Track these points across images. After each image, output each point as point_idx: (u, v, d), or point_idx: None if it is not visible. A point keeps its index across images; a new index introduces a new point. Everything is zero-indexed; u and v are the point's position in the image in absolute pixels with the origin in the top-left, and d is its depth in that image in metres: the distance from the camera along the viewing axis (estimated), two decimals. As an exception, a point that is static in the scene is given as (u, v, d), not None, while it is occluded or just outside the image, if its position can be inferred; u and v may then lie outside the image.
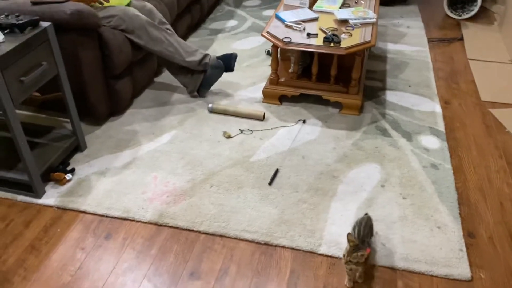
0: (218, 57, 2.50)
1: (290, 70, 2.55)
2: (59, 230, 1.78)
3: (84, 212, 1.86)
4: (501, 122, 2.41)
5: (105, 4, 2.24)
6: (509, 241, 1.74)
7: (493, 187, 1.99)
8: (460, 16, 3.58)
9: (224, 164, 2.10)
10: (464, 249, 1.69)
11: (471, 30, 3.43)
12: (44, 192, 1.94)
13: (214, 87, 2.62)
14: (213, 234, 1.76)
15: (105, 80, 2.27)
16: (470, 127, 2.38)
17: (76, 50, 2.07)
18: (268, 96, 2.55)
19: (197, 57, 2.44)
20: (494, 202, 1.91)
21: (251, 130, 2.34)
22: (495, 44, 3.21)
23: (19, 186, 1.93)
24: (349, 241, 1.50)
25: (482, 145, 2.24)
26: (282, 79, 2.54)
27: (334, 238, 1.73)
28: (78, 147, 2.16)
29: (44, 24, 1.81)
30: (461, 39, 3.30)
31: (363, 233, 1.61)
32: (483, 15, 3.64)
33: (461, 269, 1.62)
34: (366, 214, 1.72)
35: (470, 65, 2.96)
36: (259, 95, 2.61)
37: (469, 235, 1.76)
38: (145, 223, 1.81)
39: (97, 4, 2.26)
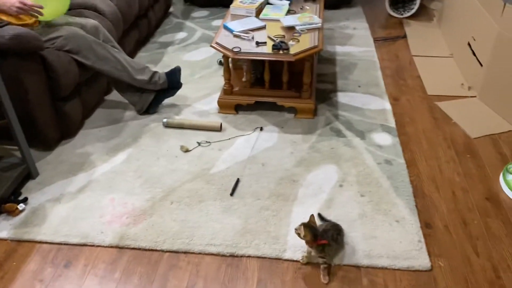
0: (166, 73, 2.49)
1: (243, 79, 2.57)
2: (14, 263, 1.70)
3: (41, 242, 1.79)
4: (447, 114, 2.52)
5: (41, 18, 2.14)
6: (463, 227, 1.82)
7: (444, 177, 2.08)
8: (402, 14, 3.73)
9: (184, 179, 2.08)
10: (423, 240, 1.75)
11: (413, 27, 3.57)
12: (-5, 225, 1.85)
13: (168, 100, 2.59)
14: (177, 252, 1.73)
15: (53, 103, 2.19)
16: (419, 121, 2.47)
17: (19, 75, 1.99)
18: (223, 106, 2.55)
19: (146, 76, 2.41)
20: (446, 191, 2.00)
21: (209, 142, 2.33)
22: (436, 40, 3.36)
23: (-32, 221, 1.83)
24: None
25: (431, 138, 2.34)
26: (236, 89, 2.55)
27: (298, 242, 1.74)
28: (29, 174, 2.08)
29: (-18, 50, 1.74)
30: (405, 37, 3.44)
31: (325, 227, 1.67)
32: (423, 13, 3.81)
33: (421, 260, 1.67)
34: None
35: (415, 61, 3.08)
36: (214, 106, 2.61)
37: (426, 226, 1.83)
38: (106, 247, 1.76)
39: (38, 26, 2.19)
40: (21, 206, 1.91)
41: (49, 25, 2.24)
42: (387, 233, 1.79)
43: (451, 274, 1.63)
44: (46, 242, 1.78)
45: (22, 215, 1.90)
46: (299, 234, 1.58)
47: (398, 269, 1.65)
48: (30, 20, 2.19)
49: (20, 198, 1.97)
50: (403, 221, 1.84)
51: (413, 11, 3.67)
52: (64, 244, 1.77)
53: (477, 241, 1.76)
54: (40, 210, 1.92)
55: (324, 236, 1.62)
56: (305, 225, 1.58)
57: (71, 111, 2.27)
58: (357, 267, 1.66)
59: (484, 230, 1.81)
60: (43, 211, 1.92)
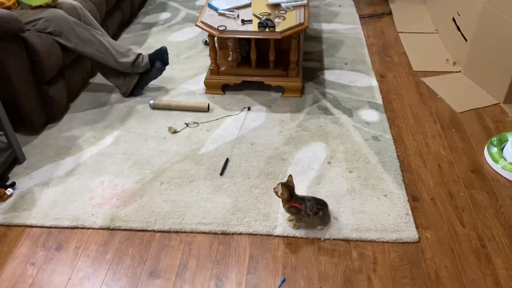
0: (149, 55, 2.45)
1: (229, 59, 2.55)
2: (5, 248, 1.70)
3: (31, 226, 1.78)
4: (432, 89, 2.54)
5: (29, 2, 2.10)
6: (449, 200, 1.86)
7: (430, 151, 2.11)
8: (387, -9, 3.71)
9: (173, 160, 2.08)
10: (410, 213, 1.79)
11: (398, 4, 3.57)
12: (-17, 211, 1.83)
13: (154, 82, 2.57)
14: (168, 231, 1.74)
15: (37, 86, 2.16)
16: (405, 97, 2.49)
17: (1, 58, 1.95)
18: (210, 87, 2.54)
19: (130, 58, 2.38)
20: (433, 165, 2.03)
21: (196, 123, 2.32)
22: (421, 16, 3.37)
23: (-45, 208, 1.81)
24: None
25: (417, 113, 2.36)
26: (223, 68, 2.53)
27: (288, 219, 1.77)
28: (16, 159, 2.06)
29: (-40, 33, 1.69)
30: (390, 13, 3.44)
31: (309, 198, 1.73)
32: (408, -11, 3.79)
33: (409, 232, 1.71)
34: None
35: (400, 37, 3.09)
36: (201, 86, 2.59)
37: (413, 199, 1.86)
38: (97, 229, 1.76)
39: (18, 8, 2.14)
40: (9, 191, 1.90)
41: (27, 7, 2.19)
42: (375, 207, 1.82)
43: (437, 245, 1.67)
44: (36, 226, 1.78)
45: (11, 200, 1.89)
46: (276, 193, 1.66)
47: (387, 242, 1.69)
48: (8, 2, 2.14)
49: (8, 183, 1.95)
50: (390, 195, 1.87)
51: (398, -13, 3.66)
52: (55, 227, 1.77)
53: (463, 212, 1.80)
54: (28, 194, 1.91)
55: (301, 202, 1.67)
56: (283, 184, 1.65)
57: (55, 95, 2.24)
58: (347, 240, 1.69)
59: (470, 201, 1.85)
60: (32, 195, 1.90)
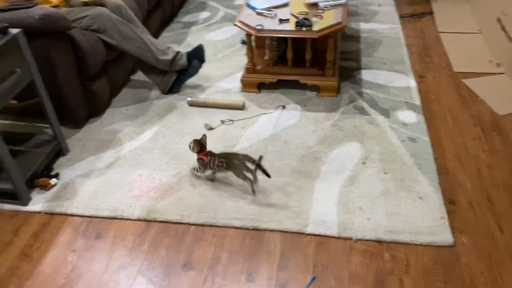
0: (188, 52, 2.51)
1: (265, 57, 2.57)
2: (48, 235, 1.79)
3: (72, 215, 1.87)
4: (474, 91, 2.47)
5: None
6: (487, 205, 1.80)
7: (469, 154, 2.06)
8: (429, -10, 3.63)
9: (208, 155, 2.12)
10: (446, 216, 1.75)
11: (440, 3, 3.48)
12: (30, 199, 1.94)
13: (192, 80, 2.62)
14: (202, 225, 1.79)
15: (81, 82, 2.26)
16: (445, 98, 2.44)
17: (49, 54, 2.06)
18: (246, 85, 2.57)
19: (169, 56, 2.44)
20: (471, 169, 1.98)
21: (232, 120, 2.36)
22: (464, 16, 3.27)
23: (5, 195, 1.92)
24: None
25: (457, 115, 2.31)
26: (259, 67, 2.56)
27: (320, 218, 1.77)
28: (60, 151, 2.16)
29: (14, 31, 1.80)
30: (431, 13, 3.35)
31: (224, 155, 1.92)
32: (451, -12, 3.69)
33: (444, 236, 1.68)
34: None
35: (441, 38, 3.02)
36: (237, 84, 2.62)
37: (450, 203, 1.82)
38: (134, 220, 1.82)
39: (65, 6, 2.24)
40: (53, 181, 2.00)
41: (73, 5, 2.29)
42: (410, 210, 1.79)
43: (474, 250, 1.63)
44: (78, 215, 1.86)
45: (54, 189, 1.98)
46: (189, 147, 1.95)
47: (420, 245, 1.66)
48: (57, 1, 2.25)
49: (52, 173, 2.05)
50: (426, 197, 1.84)
51: (441, -14, 3.56)
52: (95, 217, 1.85)
53: (502, 218, 1.75)
54: (71, 185, 2.00)
55: (210, 157, 1.92)
56: (195, 139, 1.95)
57: (99, 90, 2.33)
58: (379, 242, 1.68)
59: (509, 206, 1.79)
60: (74, 186, 2.00)
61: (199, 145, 1.94)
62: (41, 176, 1.99)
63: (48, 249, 1.73)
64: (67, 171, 2.08)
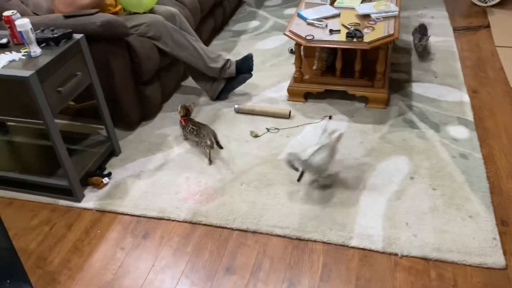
0: (237, 61, 2.56)
1: (314, 67, 2.58)
2: (99, 231, 1.87)
3: (122, 214, 1.94)
4: (532, 108, 2.36)
5: (140, 9, 2.31)
6: (544, 228, 1.72)
7: (526, 174, 1.97)
8: (486, 3, 3.51)
9: (253, 162, 2.15)
10: (498, 237, 1.68)
11: (498, 16, 3.36)
12: (83, 196, 2.03)
13: (239, 88, 2.67)
14: (245, 231, 1.81)
15: (136, 86, 2.35)
16: (500, 115, 2.34)
17: (107, 59, 2.16)
18: (293, 94, 2.58)
19: (219, 64, 2.50)
20: (527, 189, 1.89)
21: (277, 129, 2.38)
22: (524, 29, 3.14)
23: (60, 191, 2.03)
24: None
25: (513, 133, 2.21)
26: (307, 77, 2.56)
27: (365, 231, 1.75)
28: (113, 152, 2.25)
29: (77, 36, 1.90)
30: (488, 26, 3.24)
31: (200, 125, 2.21)
32: (510, 1, 3.55)
33: (495, 257, 1.61)
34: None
35: (498, 52, 2.91)
36: (284, 93, 2.64)
37: (502, 224, 1.75)
38: (180, 222, 1.87)
39: (123, 13, 2.35)
40: (105, 180, 2.09)
41: (133, 12, 2.39)
42: (459, 228, 1.73)
43: (528, 275, 1.56)
44: (127, 214, 1.94)
45: (106, 188, 2.07)
46: (178, 111, 2.29)
47: (470, 265, 1.60)
48: (115, 8, 2.36)
49: (105, 172, 2.14)
50: (477, 217, 1.77)
51: (499, -2, 3.44)
52: (143, 216, 1.92)
53: (560, 243, 1.65)
54: (122, 184, 2.08)
55: (188, 122, 2.25)
56: (183, 105, 2.30)
57: (151, 95, 2.42)
58: (426, 259, 1.64)
59: None
60: (125, 185, 2.08)
61: (184, 110, 2.29)
62: (94, 174, 2.09)
63: (99, 245, 1.81)
64: (119, 171, 2.17)
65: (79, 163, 2.09)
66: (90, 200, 2.02)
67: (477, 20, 3.36)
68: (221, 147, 2.23)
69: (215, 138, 2.19)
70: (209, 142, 2.14)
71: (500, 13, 3.39)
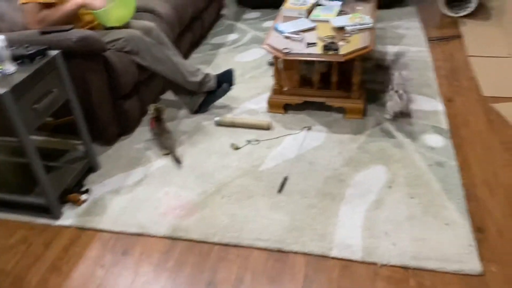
0: (217, 75, 2.57)
1: (292, 79, 2.60)
2: (78, 249, 1.84)
3: (101, 231, 1.92)
4: (504, 116, 2.43)
5: (108, 24, 2.31)
6: (518, 233, 1.76)
7: (500, 182, 2.02)
8: (458, 13, 3.61)
9: (234, 174, 2.16)
10: (474, 244, 1.72)
11: (470, 26, 3.46)
12: (61, 213, 2.00)
13: (219, 100, 2.68)
14: (226, 245, 1.80)
15: (114, 101, 2.34)
16: (473, 123, 2.41)
17: (84, 75, 2.15)
18: (272, 106, 2.60)
19: (198, 78, 2.51)
20: (501, 196, 1.94)
21: (258, 140, 2.39)
22: (494, 39, 3.24)
23: (38, 209, 1.99)
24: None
25: (486, 141, 2.27)
26: (286, 88, 2.59)
27: (345, 241, 1.77)
28: (91, 168, 2.23)
29: (53, 52, 1.89)
30: (460, 36, 3.33)
31: (166, 132, 2.35)
32: (481, 11, 3.67)
33: (472, 264, 1.64)
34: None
35: (471, 61, 2.99)
36: (264, 105, 2.66)
37: (478, 230, 1.78)
38: (160, 237, 1.86)
39: (101, 28, 2.34)
40: (84, 196, 2.07)
41: (110, 27, 2.39)
42: (437, 236, 1.76)
43: (504, 280, 1.59)
44: (106, 231, 1.91)
45: (85, 205, 2.05)
46: (148, 110, 2.37)
47: (448, 272, 1.63)
48: (94, 23, 2.36)
49: (83, 189, 2.12)
50: (453, 224, 1.81)
51: (470, 9, 3.55)
52: (122, 233, 1.90)
53: (533, 247, 1.70)
54: (101, 201, 2.06)
55: (155, 125, 2.34)
56: (157, 107, 2.35)
57: (130, 109, 2.41)
58: (405, 268, 1.66)
59: (541, 236, 1.74)
60: (104, 202, 2.05)
61: (156, 112, 2.34)
62: (72, 191, 2.06)
63: (77, 263, 1.78)
64: (97, 187, 2.14)
65: (57, 180, 2.06)
66: (69, 217, 1.99)
67: (450, 30, 3.46)
68: (179, 162, 2.24)
69: (172, 152, 2.28)
70: (161, 152, 2.30)
71: (471, 24, 3.50)
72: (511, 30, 3.08)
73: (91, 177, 2.21)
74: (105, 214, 1.98)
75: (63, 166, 2.16)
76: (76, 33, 2.07)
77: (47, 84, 1.86)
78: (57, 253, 1.83)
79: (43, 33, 2.07)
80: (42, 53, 1.85)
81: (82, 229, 1.94)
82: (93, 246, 1.85)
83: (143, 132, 2.52)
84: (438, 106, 2.55)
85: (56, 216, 1.98)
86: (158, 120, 2.35)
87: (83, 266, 1.77)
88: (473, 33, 3.35)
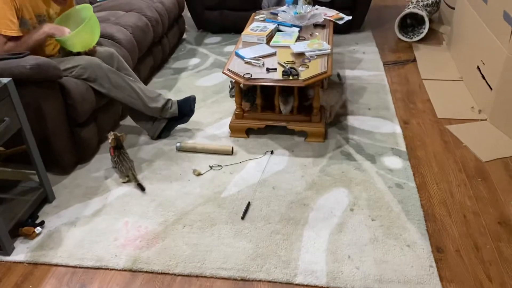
0: (179, 101, 2.55)
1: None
2: (31, 286, 1.74)
3: (56, 265, 1.82)
4: (457, 137, 2.53)
5: (72, 49, 2.27)
6: (475, 252, 1.81)
7: (455, 201, 2.08)
8: (411, 38, 3.78)
9: (196, 202, 2.12)
10: (434, 264, 1.75)
11: (423, 51, 3.61)
12: (13, 248, 1.90)
13: (181, 125, 2.65)
14: (189, 275, 1.75)
15: (70, 128, 2.27)
16: (429, 144, 2.49)
17: (38, 102, 2.07)
18: (234, 130, 2.60)
19: (159, 103, 2.48)
20: (458, 215, 1.99)
21: (220, 166, 2.37)
22: (446, 63, 3.39)
23: (-14, 245, 1.88)
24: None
25: (442, 161, 2.35)
26: (247, 113, 2.60)
27: (309, 267, 1.76)
28: (46, 198, 2.13)
29: (4, 80, 1.82)
30: (414, 60, 3.48)
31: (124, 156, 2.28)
32: (432, 37, 3.85)
33: (433, 285, 1.67)
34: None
35: (425, 84, 3.11)
36: (226, 129, 2.65)
37: (438, 250, 1.82)
38: (119, 270, 1.79)
39: (58, 55, 2.29)
40: (38, 229, 1.96)
41: (68, 54, 2.34)
42: (398, 258, 1.79)
43: (463, 299, 1.62)
44: (62, 265, 1.82)
45: (39, 238, 1.95)
46: (107, 138, 2.28)
47: (410, 294, 1.64)
48: (52, 51, 2.30)
49: (37, 221, 2.02)
50: (414, 245, 1.84)
51: (422, 35, 3.72)
52: (79, 267, 1.81)
53: (490, 266, 1.75)
54: (56, 233, 1.97)
55: (115, 154, 2.27)
56: (116, 136, 2.27)
57: (87, 137, 2.34)
58: (368, 292, 1.66)
59: (497, 254, 1.79)
60: (59, 234, 1.96)
61: (116, 141, 2.28)
62: (25, 224, 1.96)
63: (29, 302, 1.68)
64: (52, 219, 2.05)
65: (9, 213, 1.95)
66: (21, 252, 1.88)
67: (405, 54, 3.60)
68: (142, 189, 2.21)
69: (134, 178, 2.25)
70: (121, 180, 2.27)
71: (424, 48, 3.66)
72: (460, 55, 3.24)
73: (46, 208, 2.12)
74: (61, 247, 1.89)
75: (15, 197, 2.05)
76: (31, 60, 2.00)
77: (-3, 112, 1.77)
78: (7, 291, 1.72)
79: (-6, 59, 1.99)
80: (-8, 80, 1.77)
81: (35, 264, 1.83)
82: (47, 282, 1.75)
83: (101, 159, 2.45)
84: (395, 128, 2.63)
85: (7, 251, 1.87)
86: (117, 148, 2.28)
87: (36, 304, 1.67)
88: (426, 57, 3.50)
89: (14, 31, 2.08)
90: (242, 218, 2.01)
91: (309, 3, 3.09)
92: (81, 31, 2.19)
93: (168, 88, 3.17)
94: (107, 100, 2.46)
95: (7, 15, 2.05)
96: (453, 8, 3.63)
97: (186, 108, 2.54)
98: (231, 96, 2.94)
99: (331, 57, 2.51)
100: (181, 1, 3.81)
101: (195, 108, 2.59)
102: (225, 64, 3.40)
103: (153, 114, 2.50)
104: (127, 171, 2.26)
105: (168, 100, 2.53)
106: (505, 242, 1.85)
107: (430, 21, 3.80)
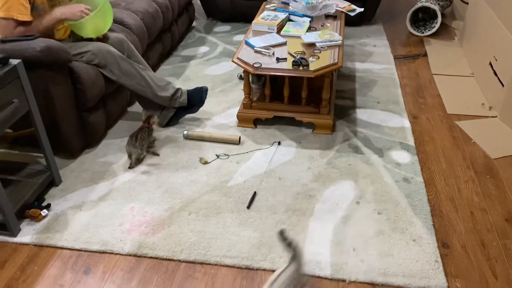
0: (189, 91, 2.54)
1: (262, 94, 2.60)
2: (36, 268, 1.75)
3: (62, 248, 1.83)
4: (467, 133, 2.50)
5: (84, 35, 2.26)
6: (481, 248, 1.80)
7: (463, 197, 2.06)
8: (423, 33, 3.73)
9: (202, 190, 2.12)
10: (439, 259, 1.74)
11: (434, 46, 3.57)
12: (19, 230, 1.91)
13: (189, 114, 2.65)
14: (193, 262, 1.76)
15: (78, 113, 2.27)
16: (438, 140, 2.46)
17: (48, 86, 2.07)
18: (242, 120, 2.59)
19: (168, 92, 2.47)
20: (465, 211, 1.98)
21: (227, 155, 2.37)
22: (457, 59, 3.35)
23: (-7, 225, 1.89)
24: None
25: (450, 157, 2.33)
26: (256, 103, 2.58)
27: (313, 258, 1.76)
28: (53, 181, 2.14)
29: (14, 61, 1.82)
30: (425, 55, 3.44)
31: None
32: (444, 31, 3.80)
33: (438, 280, 1.66)
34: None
35: (435, 79, 3.08)
36: (234, 119, 2.65)
37: (443, 246, 1.81)
38: (124, 255, 1.79)
39: (68, 40, 2.28)
40: (44, 212, 1.97)
41: (79, 39, 2.33)
42: (404, 252, 1.78)
43: (468, 295, 1.61)
44: (67, 248, 1.83)
45: (45, 220, 1.96)
46: (142, 115, 2.36)
47: (414, 289, 1.64)
48: (64, 35, 2.29)
49: (44, 204, 2.03)
50: (420, 240, 1.83)
51: (434, 29, 3.67)
52: (84, 250, 1.82)
53: (496, 262, 1.74)
54: (62, 216, 1.98)
55: (137, 132, 2.28)
56: (149, 114, 2.33)
57: (95, 122, 2.34)
58: (372, 284, 1.66)
59: (503, 251, 1.78)
60: (65, 217, 1.97)
61: (147, 118, 2.33)
62: (32, 206, 1.97)
63: (35, 282, 1.69)
64: (58, 202, 2.06)
65: (16, 195, 1.96)
66: (27, 234, 1.89)
67: (415, 49, 3.56)
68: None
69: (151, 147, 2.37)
70: (129, 158, 2.30)
71: (436, 43, 3.62)
72: (472, 50, 3.20)
73: (53, 191, 2.12)
74: (66, 230, 1.90)
75: (22, 180, 2.06)
76: (41, 42, 1.99)
77: (7, 94, 1.77)
78: (13, 272, 1.74)
79: (4, 41, 1.99)
80: (2, 61, 1.77)
81: (41, 246, 1.84)
82: (52, 265, 1.76)
83: (108, 145, 2.45)
84: (404, 122, 2.61)
85: (14, 233, 1.88)
86: (147, 126, 2.35)
87: (41, 286, 1.68)
88: (438, 52, 3.46)
89: (26, 16, 2.07)
90: (248, 207, 2.01)
91: (321, -6, 3.06)
92: (94, 17, 2.18)
93: (176, 76, 3.16)
94: (116, 86, 2.46)
95: None
96: (467, 3, 3.58)
97: (196, 98, 2.53)
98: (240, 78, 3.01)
99: (342, 49, 2.48)
100: (191, -12, 3.78)
101: (204, 102, 2.57)
102: (234, 53, 3.38)
103: (161, 102, 2.49)
104: (148, 144, 2.35)
105: (178, 89, 2.51)
106: (511, 239, 1.84)
107: (443, 15, 3.75)
